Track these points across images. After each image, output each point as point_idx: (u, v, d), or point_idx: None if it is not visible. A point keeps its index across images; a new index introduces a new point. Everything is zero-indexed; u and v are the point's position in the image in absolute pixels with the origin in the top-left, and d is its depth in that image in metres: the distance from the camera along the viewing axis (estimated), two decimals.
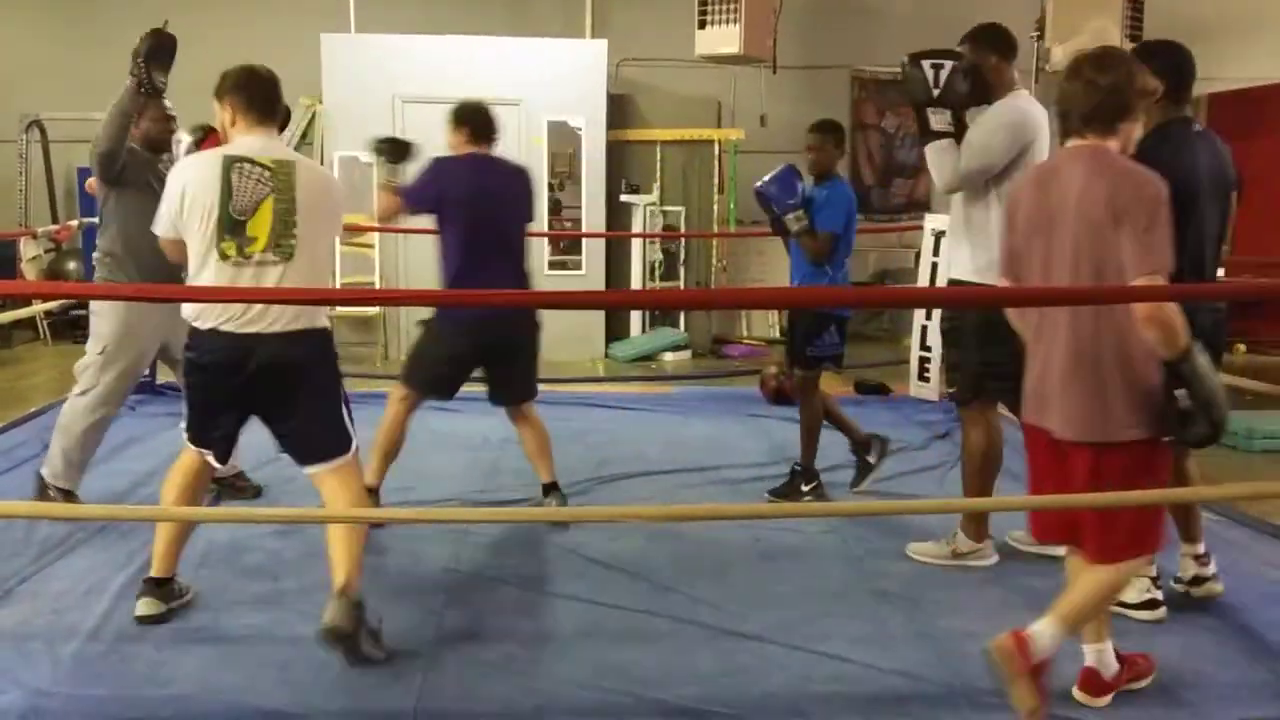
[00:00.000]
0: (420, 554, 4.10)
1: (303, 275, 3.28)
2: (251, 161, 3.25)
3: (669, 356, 9.31)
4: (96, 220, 4.55)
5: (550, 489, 4.53)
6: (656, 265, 9.57)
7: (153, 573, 3.53)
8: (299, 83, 9.02)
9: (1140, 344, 2.69)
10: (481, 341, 4.33)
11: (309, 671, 3.16)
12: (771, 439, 6.00)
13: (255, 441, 5.23)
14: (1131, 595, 3.50)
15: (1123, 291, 2.69)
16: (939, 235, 6.92)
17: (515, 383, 4.53)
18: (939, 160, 3.88)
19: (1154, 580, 3.59)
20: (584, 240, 9.30)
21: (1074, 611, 2.88)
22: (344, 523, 3.32)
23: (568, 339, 9.22)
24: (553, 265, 9.29)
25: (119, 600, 3.62)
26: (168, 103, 4.52)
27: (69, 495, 4.42)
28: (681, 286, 9.62)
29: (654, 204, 9.48)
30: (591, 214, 9.28)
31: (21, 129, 9.84)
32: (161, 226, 3.36)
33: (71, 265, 9.46)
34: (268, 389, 3.28)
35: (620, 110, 9.54)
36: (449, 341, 4.34)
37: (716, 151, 9.72)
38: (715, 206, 9.68)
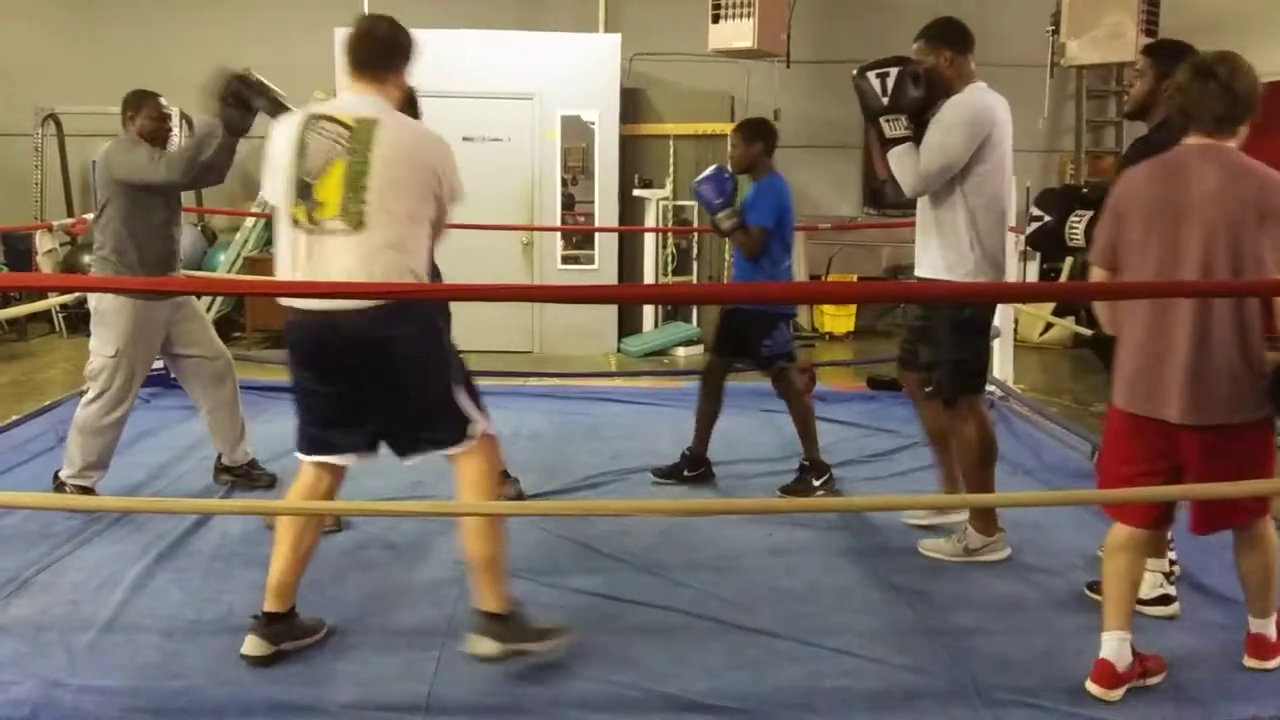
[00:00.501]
0: (433, 547, 4.11)
1: (377, 248, 2.94)
2: (331, 119, 2.99)
3: (681, 351, 9.31)
4: (95, 216, 4.51)
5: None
6: (669, 260, 9.57)
7: (265, 607, 3.20)
8: (312, 76, 9.04)
9: (1256, 330, 2.88)
10: None
11: (322, 663, 3.18)
12: (783, 434, 5.98)
13: (269, 433, 5.29)
14: (1144, 590, 3.50)
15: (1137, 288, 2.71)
16: None
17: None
18: (900, 165, 3.89)
19: (1168, 576, 3.59)
20: (596, 235, 9.31)
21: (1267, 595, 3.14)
22: (349, 514, 3.30)
23: (580, 333, 9.24)
24: (565, 260, 9.30)
25: (133, 592, 3.65)
26: (163, 100, 4.54)
27: (86, 492, 4.45)
28: (694, 281, 9.61)
29: (667, 198, 9.48)
30: (604, 208, 9.28)
31: (38, 123, 9.89)
32: (262, 192, 3.22)
33: (87, 258, 9.44)
34: (358, 373, 3.04)
35: (633, 105, 9.53)
36: None
37: (729, 146, 9.70)
38: None
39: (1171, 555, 3.63)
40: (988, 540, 4.08)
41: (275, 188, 3.02)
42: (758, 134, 4.85)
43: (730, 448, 5.51)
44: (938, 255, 3.96)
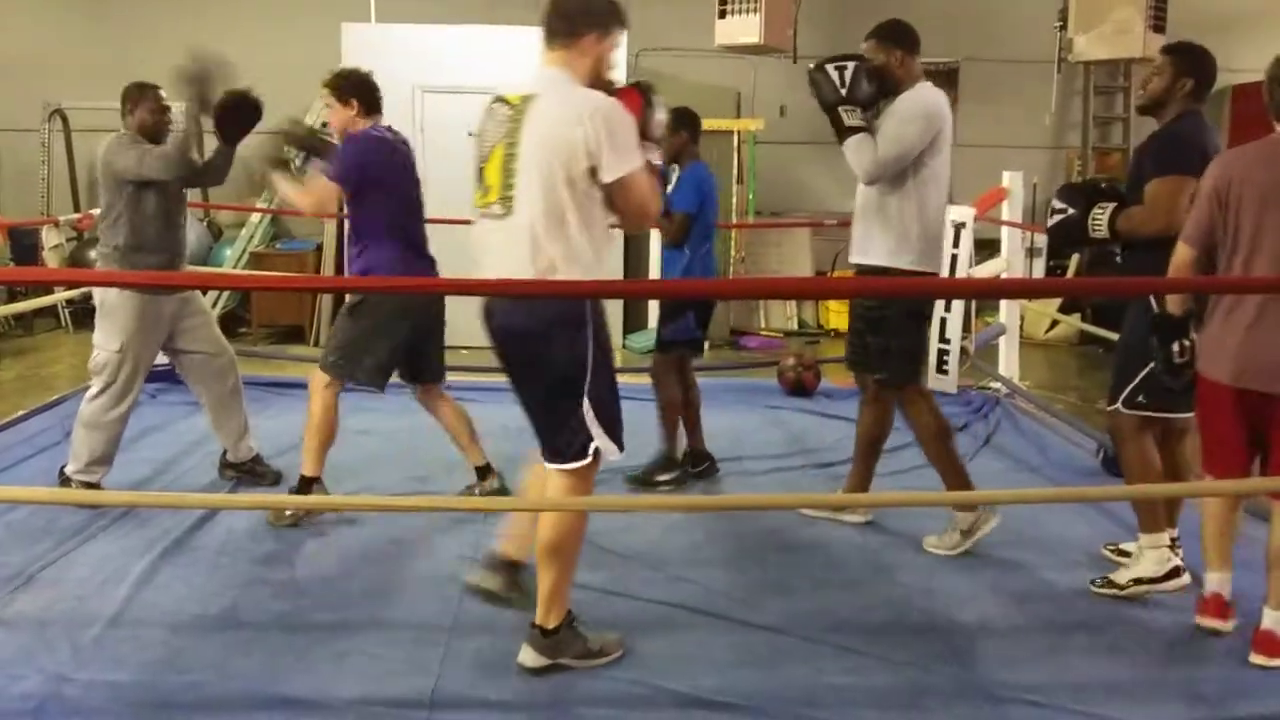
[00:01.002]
0: (437, 543, 4.11)
1: (519, 233, 2.85)
2: (503, 100, 2.93)
3: None
4: (100, 213, 4.52)
5: (484, 471, 4.53)
6: None
7: (537, 620, 3.10)
8: (319, 73, 9.00)
9: None
10: (417, 323, 4.31)
11: (327, 659, 3.18)
12: (789, 430, 5.99)
13: (274, 428, 5.30)
14: (1153, 569, 3.63)
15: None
16: (959, 227, 6.87)
17: (437, 362, 4.52)
18: (858, 153, 4.04)
19: (1171, 545, 3.70)
20: None
21: None
22: (356, 510, 3.31)
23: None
24: None
25: (139, 587, 3.65)
26: (163, 92, 4.55)
27: (92, 489, 4.45)
28: None
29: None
30: None
31: (44, 118, 9.91)
32: None
33: (93, 254, 9.48)
34: (507, 364, 3.02)
35: None
36: (389, 326, 4.24)
37: (736, 142, 9.68)
38: (734, 197, 9.64)
39: (1173, 533, 3.74)
40: (974, 516, 4.11)
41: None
42: (681, 123, 4.84)
43: (735, 444, 5.50)
44: (880, 242, 4.10)
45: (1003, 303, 7.24)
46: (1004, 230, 6.96)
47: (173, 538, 4.06)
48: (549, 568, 3.06)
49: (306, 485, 4.28)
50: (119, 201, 4.40)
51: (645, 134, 2.99)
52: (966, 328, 6.91)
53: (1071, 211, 3.70)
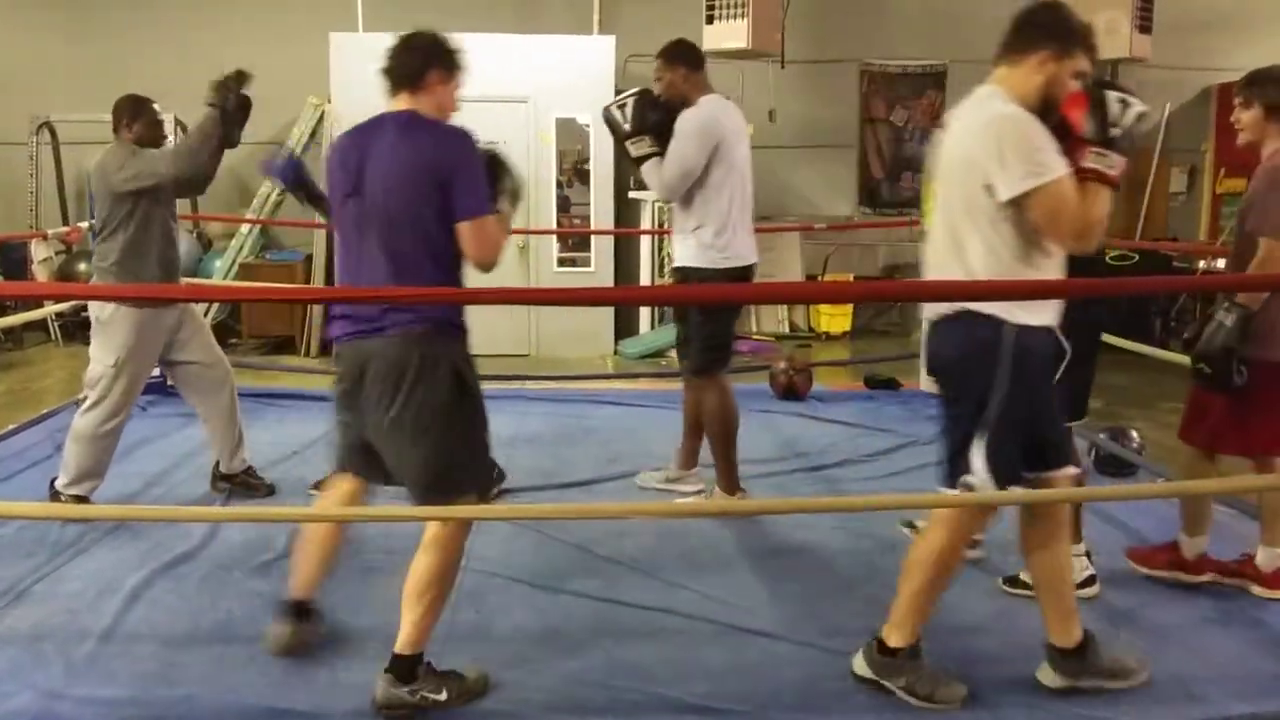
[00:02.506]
0: None
1: (947, 257, 2.82)
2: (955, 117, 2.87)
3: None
4: (96, 227, 4.49)
5: None
6: (665, 261, 9.56)
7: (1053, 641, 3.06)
8: (307, 82, 9.04)
9: None
10: None
11: (321, 671, 3.17)
12: (781, 434, 5.99)
13: (267, 440, 5.29)
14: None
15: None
16: None
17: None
18: (650, 177, 4.45)
19: (1087, 555, 3.77)
20: (592, 237, 9.30)
21: None
22: (333, 520, 3.27)
23: (577, 336, 9.23)
24: (561, 262, 9.30)
25: (132, 601, 3.64)
26: (156, 105, 4.55)
27: (82, 502, 4.43)
28: None
29: (663, 200, 9.46)
30: (600, 211, 9.28)
31: (32, 131, 9.89)
32: None
33: (82, 267, 9.47)
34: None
35: None
36: None
37: None
38: None
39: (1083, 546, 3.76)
40: (685, 473, 4.83)
41: None
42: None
43: None
44: (691, 248, 4.45)
45: None
46: None
47: (165, 551, 4.04)
48: (1047, 573, 3.04)
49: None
50: (116, 215, 4.38)
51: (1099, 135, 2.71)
52: None
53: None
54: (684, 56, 4.51)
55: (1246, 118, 3.59)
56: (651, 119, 4.40)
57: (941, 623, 3.52)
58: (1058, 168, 2.65)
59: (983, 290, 2.77)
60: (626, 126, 4.42)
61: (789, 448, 5.60)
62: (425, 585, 2.91)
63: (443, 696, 2.95)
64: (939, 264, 2.86)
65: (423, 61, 2.98)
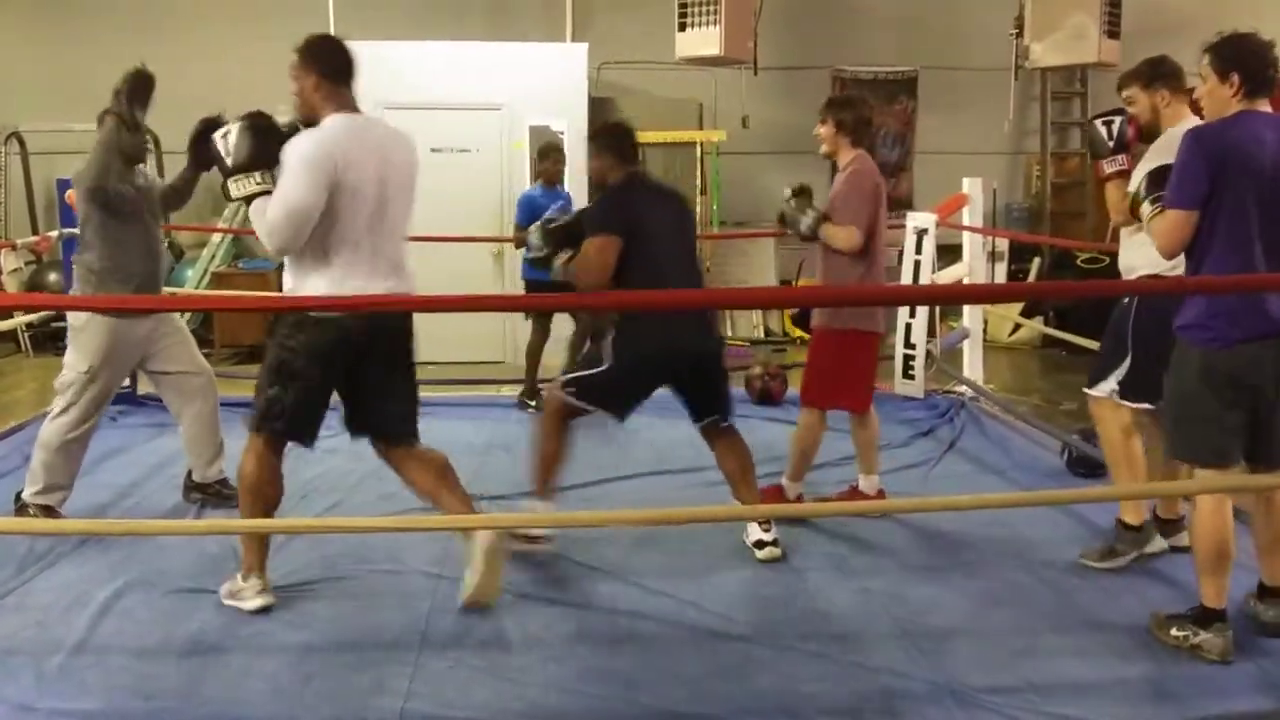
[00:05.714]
0: (405, 560, 4.09)
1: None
2: None
3: None
4: (77, 234, 4.49)
5: None
6: None
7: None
8: (281, 91, 8.96)
9: None
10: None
11: (295, 681, 3.15)
12: (756, 439, 5.93)
13: (239, 449, 5.23)
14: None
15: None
16: (921, 233, 6.93)
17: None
18: (256, 224, 3.44)
19: None
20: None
21: None
22: (315, 532, 3.28)
23: (552, 343, 9.22)
24: None
25: (103, 613, 3.60)
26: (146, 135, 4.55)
27: (49, 512, 4.38)
28: None
29: None
30: None
31: (1, 141, 9.80)
32: None
33: (52, 277, 9.40)
34: None
35: (602, 113, 9.50)
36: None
37: (699, 153, 9.73)
38: (698, 208, 9.67)
39: None
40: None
41: None
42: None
43: (701, 454, 5.49)
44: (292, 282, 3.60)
45: (966, 307, 7.31)
46: (965, 236, 7.02)
47: (136, 562, 4.00)
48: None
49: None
50: (96, 224, 4.37)
51: None
52: (931, 332, 6.97)
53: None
54: (314, 61, 3.54)
55: (824, 132, 4.50)
56: (263, 146, 3.46)
57: (912, 628, 3.54)
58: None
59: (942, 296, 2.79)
60: (228, 161, 3.45)
61: (764, 452, 5.57)
62: None
63: None
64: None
65: None
